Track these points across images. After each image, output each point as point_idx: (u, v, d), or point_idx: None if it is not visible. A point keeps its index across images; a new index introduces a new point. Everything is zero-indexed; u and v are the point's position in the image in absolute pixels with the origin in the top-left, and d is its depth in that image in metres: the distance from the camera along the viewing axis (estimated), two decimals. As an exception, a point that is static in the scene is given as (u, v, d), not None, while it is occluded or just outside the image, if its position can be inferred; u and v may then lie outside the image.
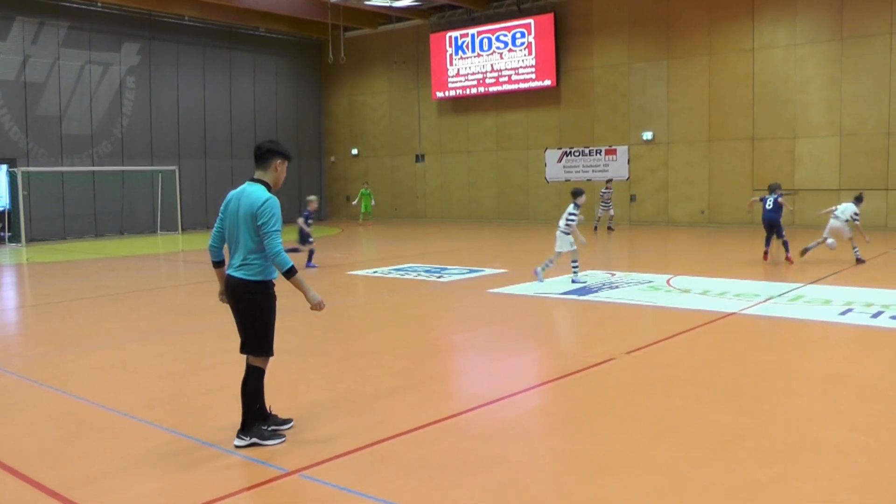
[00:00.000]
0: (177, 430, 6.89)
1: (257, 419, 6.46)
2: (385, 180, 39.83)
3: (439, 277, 16.88)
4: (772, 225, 17.98)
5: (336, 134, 41.93)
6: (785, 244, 17.95)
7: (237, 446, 6.34)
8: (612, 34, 31.72)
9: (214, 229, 6.60)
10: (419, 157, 38.26)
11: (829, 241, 17.74)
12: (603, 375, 8.47)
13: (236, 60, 38.13)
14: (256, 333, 6.40)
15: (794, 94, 27.81)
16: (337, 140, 41.90)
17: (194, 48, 36.24)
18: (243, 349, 6.46)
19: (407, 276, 17.19)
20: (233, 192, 6.56)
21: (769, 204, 17.97)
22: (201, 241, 28.95)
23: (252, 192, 6.35)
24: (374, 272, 18.03)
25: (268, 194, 6.36)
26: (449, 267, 18.58)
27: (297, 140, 40.10)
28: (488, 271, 17.57)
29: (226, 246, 6.55)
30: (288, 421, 6.83)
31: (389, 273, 17.80)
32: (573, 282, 15.44)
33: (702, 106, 29.75)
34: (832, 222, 17.73)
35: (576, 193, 15.95)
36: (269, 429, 6.54)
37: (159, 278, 19.36)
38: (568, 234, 15.54)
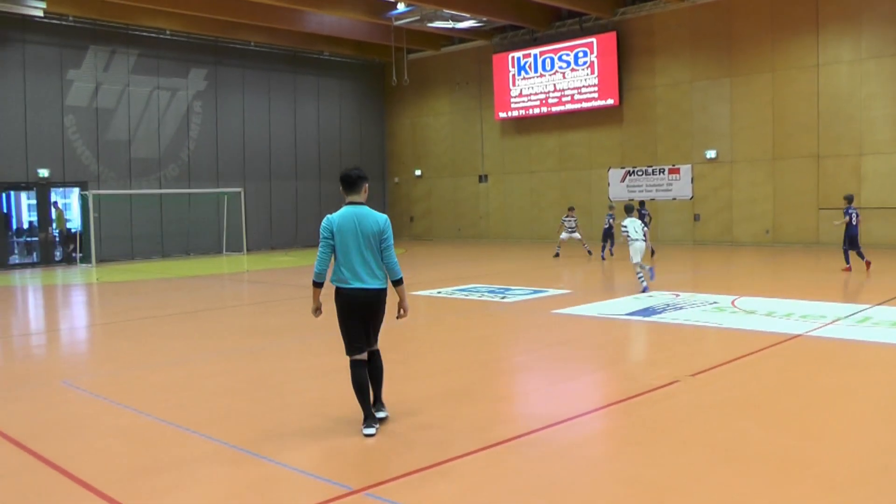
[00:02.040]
0: (241, 446, 7.06)
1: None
2: (448, 201, 40.03)
3: (503, 298, 16.94)
4: (855, 238, 19.25)
5: (399, 155, 42.28)
6: (860, 254, 19.20)
7: (381, 417, 7.61)
8: (674, 52, 31.62)
9: (323, 253, 7.32)
10: (482, 178, 38.40)
11: None
12: (666, 398, 8.46)
13: (301, 84, 38.76)
14: (380, 325, 7.62)
15: (859, 111, 27.44)
16: (400, 161, 42.24)
17: (259, 72, 36.94)
18: (374, 342, 7.59)
19: (470, 297, 17.27)
20: (337, 217, 7.34)
21: (855, 219, 19.15)
22: (266, 262, 29.43)
23: (370, 214, 7.33)
24: (438, 293, 18.14)
25: (384, 215, 7.42)
26: (512, 287, 18.64)
27: (360, 162, 40.37)
28: (552, 292, 17.61)
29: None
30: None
31: (453, 294, 17.90)
32: (643, 290, 16.99)
33: (765, 124, 29.48)
34: None
35: (629, 209, 17.96)
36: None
37: (224, 298, 19.71)
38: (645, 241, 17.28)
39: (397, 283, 7.46)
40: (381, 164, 42.57)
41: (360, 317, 7.39)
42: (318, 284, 7.44)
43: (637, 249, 17.21)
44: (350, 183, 7.38)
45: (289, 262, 29.16)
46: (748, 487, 5.86)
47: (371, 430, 7.24)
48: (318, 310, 7.60)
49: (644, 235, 17.22)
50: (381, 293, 7.44)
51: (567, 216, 27.34)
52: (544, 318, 14.21)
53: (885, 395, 8.55)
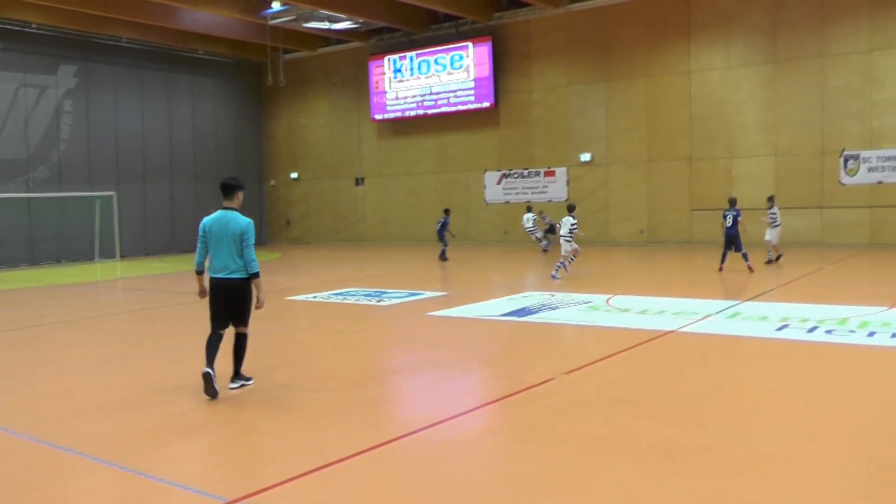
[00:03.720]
0: (114, 462, 6.70)
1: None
2: (326, 203, 39.66)
3: (379, 301, 16.78)
4: (732, 239, 19.58)
5: (276, 157, 41.69)
6: (744, 256, 19.52)
7: (232, 388, 8.98)
8: (551, 57, 31.99)
9: (199, 249, 8.98)
10: (359, 181, 38.17)
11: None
12: (543, 396, 8.45)
13: (175, 83, 37.72)
14: (247, 312, 8.99)
15: (731, 116, 28.29)
16: (277, 163, 41.65)
17: (132, 70, 35.78)
18: (238, 324, 9.00)
19: (347, 301, 17.07)
20: (210, 219, 8.88)
21: (730, 220, 19.59)
22: (141, 268, 28.62)
23: (235, 217, 8.83)
24: (314, 297, 17.88)
25: (247, 218, 8.91)
26: (389, 290, 18.49)
27: (236, 163, 39.78)
28: (428, 294, 17.53)
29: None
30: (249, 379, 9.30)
31: (329, 298, 17.66)
32: (552, 276, 19.46)
33: (640, 127, 30.09)
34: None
35: (571, 208, 20.16)
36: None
37: (98, 307, 18.97)
38: (570, 240, 19.57)
39: (254, 276, 8.86)
40: (257, 166, 41.83)
41: (224, 301, 8.87)
42: (198, 273, 9.13)
43: (562, 244, 19.86)
44: (225, 191, 8.92)
45: (165, 268, 28.41)
46: (630, 478, 5.90)
47: (234, 385, 9.04)
48: (202, 292, 9.16)
49: (570, 233, 19.62)
50: (243, 282, 8.87)
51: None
52: (420, 321, 14.10)
53: (755, 385, 8.73)
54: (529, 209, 29.60)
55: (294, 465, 6.43)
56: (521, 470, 6.29)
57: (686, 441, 6.72)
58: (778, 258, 21.18)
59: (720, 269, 19.68)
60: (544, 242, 28.22)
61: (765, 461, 6.17)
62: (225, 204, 8.91)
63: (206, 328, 8.95)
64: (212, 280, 8.87)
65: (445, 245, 26.48)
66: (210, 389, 8.57)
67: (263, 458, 6.78)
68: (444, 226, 26.61)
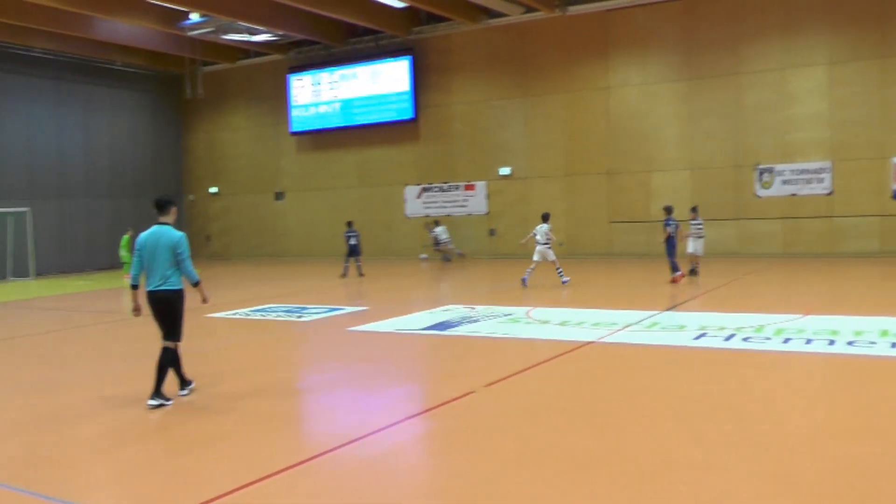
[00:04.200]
0: (29, 489, 6.47)
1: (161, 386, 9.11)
2: (246, 218, 39.13)
3: (300, 317, 16.61)
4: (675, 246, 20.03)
5: (195, 171, 40.98)
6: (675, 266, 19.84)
7: (151, 406, 8.91)
8: (471, 72, 32.11)
9: (136, 263, 9.23)
10: (279, 195, 37.81)
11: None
12: (463, 409, 8.43)
13: (92, 95, 36.65)
14: (178, 326, 9.29)
15: (648, 131, 28.73)
16: (197, 178, 40.92)
17: (47, 82, 34.70)
18: (168, 338, 9.22)
19: (267, 318, 16.85)
20: (145, 235, 9.21)
21: (675, 230, 20.04)
22: (57, 287, 27.85)
23: (168, 232, 9.21)
24: (234, 314, 17.62)
25: (180, 232, 9.32)
26: (309, 306, 18.32)
27: (155, 178, 38.84)
28: (349, 309, 17.39)
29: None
30: (191, 382, 9.68)
31: (249, 315, 17.41)
32: (564, 283, 20.15)
33: (559, 142, 30.35)
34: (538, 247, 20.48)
35: (546, 217, 20.83)
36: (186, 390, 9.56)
37: (11, 328, 18.40)
38: (548, 246, 20.20)
39: (196, 285, 9.38)
40: (176, 181, 40.79)
41: (158, 313, 9.23)
42: (133, 287, 9.41)
43: (539, 251, 20.26)
44: (159, 207, 9.35)
45: (83, 287, 27.69)
46: (547, 489, 5.93)
47: (162, 402, 9.00)
48: (136, 309, 9.48)
49: (547, 240, 20.28)
50: (174, 294, 9.24)
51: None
52: (341, 336, 13.97)
53: (672, 394, 8.82)
54: (437, 223, 30.22)
55: (215, 486, 6.29)
56: (441, 484, 6.30)
57: (603, 451, 6.77)
58: (692, 271, 20.94)
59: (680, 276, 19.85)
60: (425, 255, 28.14)
61: (676, 468, 6.27)
62: (160, 219, 9.32)
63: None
64: (148, 294, 9.18)
65: (356, 259, 26.11)
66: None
67: (182, 479, 6.60)
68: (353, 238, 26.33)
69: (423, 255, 29.03)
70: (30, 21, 29.20)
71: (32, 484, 6.53)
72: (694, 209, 21.44)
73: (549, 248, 20.33)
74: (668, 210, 20.44)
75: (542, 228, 20.44)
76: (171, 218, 9.37)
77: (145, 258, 9.17)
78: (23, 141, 33.83)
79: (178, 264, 9.22)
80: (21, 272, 32.30)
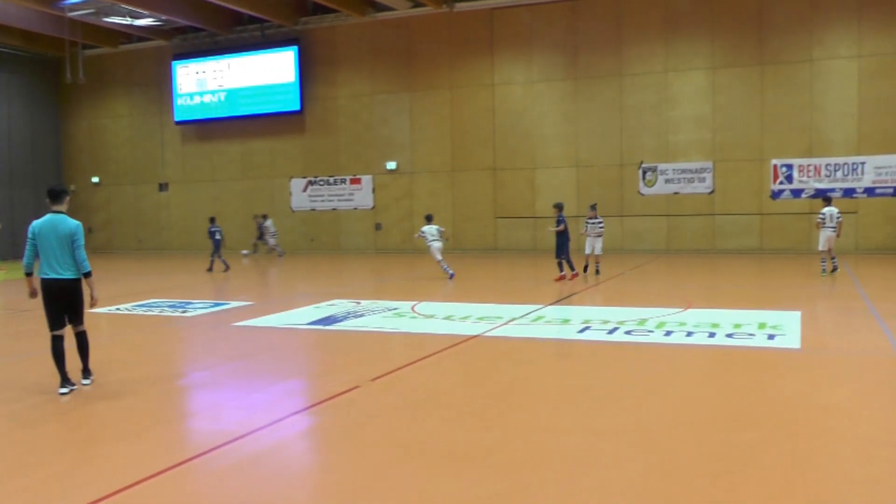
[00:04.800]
0: None
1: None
2: (129, 210, 38.14)
3: (184, 312, 16.23)
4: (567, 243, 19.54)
5: (76, 160, 39.65)
6: (569, 263, 19.54)
7: (86, 384, 9.44)
8: (356, 65, 31.99)
9: (29, 251, 9.23)
10: (163, 186, 37.00)
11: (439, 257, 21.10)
12: (348, 403, 8.37)
13: (-40, 77, 35.04)
14: (81, 310, 9.42)
15: (533, 128, 29.09)
16: (77, 167, 39.60)
17: None
18: (76, 323, 9.42)
19: (150, 313, 16.42)
20: (39, 223, 9.21)
21: (562, 226, 19.50)
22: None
23: (64, 220, 9.24)
24: (117, 309, 17.11)
25: (76, 221, 9.39)
26: (194, 301, 17.94)
27: (33, 165, 37.50)
28: (234, 304, 17.10)
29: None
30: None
31: (133, 310, 16.92)
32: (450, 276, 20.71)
33: (444, 137, 30.46)
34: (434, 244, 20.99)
35: (429, 219, 21.52)
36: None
37: None
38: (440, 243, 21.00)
39: (87, 275, 9.29)
40: (56, 170, 39.32)
41: (58, 300, 9.22)
42: (28, 274, 9.42)
43: (437, 249, 20.88)
44: (54, 196, 9.32)
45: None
46: (431, 480, 5.98)
47: (65, 390, 9.07)
48: (33, 292, 9.44)
49: (440, 236, 21.06)
50: (74, 282, 9.28)
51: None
52: (226, 331, 13.71)
53: (556, 385, 8.96)
54: (266, 216, 30.96)
55: (92, 488, 6.05)
56: (324, 479, 6.27)
57: (488, 443, 6.81)
58: (586, 268, 20.60)
59: (562, 277, 19.39)
60: (246, 251, 27.97)
61: (557, 458, 6.37)
62: (54, 208, 9.30)
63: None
64: (43, 282, 9.18)
65: (219, 255, 25.69)
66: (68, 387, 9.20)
67: (63, 481, 6.32)
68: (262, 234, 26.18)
69: (245, 251, 29.10)
70: None
71: None
72: (593, 206, 20.91)
73: (437, 241, 20.94)
74: (559, 207, 19.89)
75: (431, 229, 21.01)
76: (65, 207, 9.40)
77: (40, 246, 9.18)
78: None
79: (71, 252, 9.24)
80: None
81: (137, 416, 8.27)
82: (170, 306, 17.30)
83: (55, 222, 9.20)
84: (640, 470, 6.06)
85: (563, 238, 19.37)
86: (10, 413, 8.51)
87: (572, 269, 19.57)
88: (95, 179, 39.02)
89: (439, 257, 21.02)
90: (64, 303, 9.26)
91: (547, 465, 6.21)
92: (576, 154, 28.64)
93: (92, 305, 9.53)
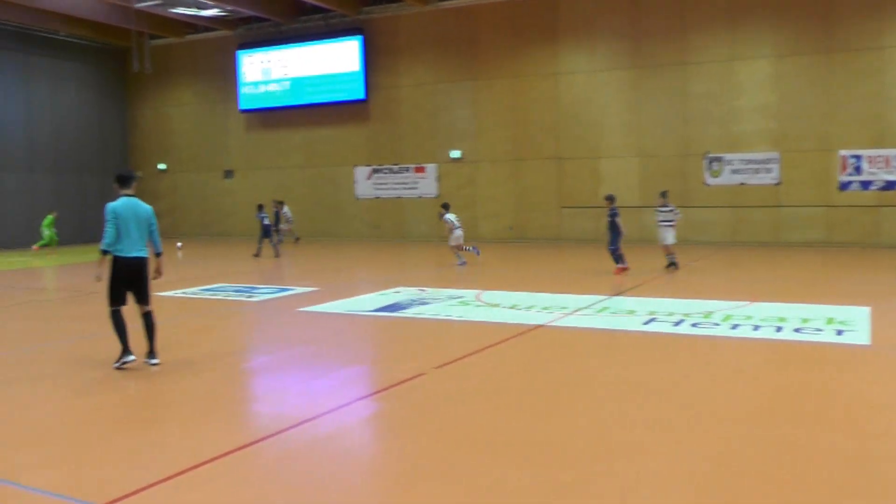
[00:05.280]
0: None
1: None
2: (194, 196, 38.68)
3: (250, 297, 16.46)
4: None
5: (142, 148, 40.33)
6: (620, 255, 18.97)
7: (154, 363, 9.72)
8: (419, 54, 32.03)
9: (111, 230, 9.50)
10: (228, 173, 37.44)
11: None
12: (412, 390, 8.43)
13: (34, 66, 35.70)
14: (147, 290, 9.90)
15: (596, 117, 28.88)
16: (143, 154, 40.24)
17: (-15, 51, 33.87)
18: (144, 303, 9.85)
19: (217, 297, 16.68)
20: (119, 205, 9.62)
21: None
22: (5, 263, 27.35)
23: (141, 204, 9.86)
24: (183, 293, 17.41)
25: (149, 205, 10.03)
26: (259, 286, 18.17)
27: (101, 152, 38.21)
28: (299, 290, 17.27)
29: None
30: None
31: (199, 294, 17.21)
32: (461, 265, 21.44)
33: (507, 126, 30.38)
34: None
35: (447, 206, 22.55)
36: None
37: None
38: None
39: (159, 255, 9.97)
40: (123, 157, 39.98)
41: (127, 277, 9.67)
42: (105, 253, 9.62)
43: (458, 236, 21.57)
44: (124, 181, 9.87)
45: (20, 263, 27.20)
46: (492, 469, 5.97)
47: (130, 358, 9.58)
48: (101, 274, 9.78)
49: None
50: (145, 261, 9.86)
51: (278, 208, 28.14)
52: (291, 317, 13.88)
53: (619, 378, 8.87)
54: (282, 203, 30.71)
55: (163, 466, 6.20)
56: (392, 465, 6.34)
57: (550, 433, 6.82)
58: (670, 264, 19.34)
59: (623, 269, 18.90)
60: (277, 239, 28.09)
61: (619, 450, 6.36)
62: (124, 192, 9.82)
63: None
64: (121, 259, 9.60)
65: (270, 240, 26.19)
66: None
67: (131, 459, 6.48)
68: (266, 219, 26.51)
69: (178, 244, 30.51)
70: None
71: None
72: (663, 194, 19.94)
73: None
74: (611, 199, 19.29)
75: (452, 217, 21.95)
76: (134, 190, 9.91)
77: (121, 227, 9.58)
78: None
79: (150, 234, 9.89)
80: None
81: (201, 399, 8.45)
82: (235, 291, 17.54)
83: (133, 205, 9.74)
84: (702, 464, 6.05)
85: (615, 231, 18.85)
86: (77, 391, 8.76)
87: (622, 262, 18.92)
88: (162, 166, 39.59)
89: (460, 242, 21.75)
90: (133, 280, 9.73)
91: (609, 456, 6.21)
92: (639, 144, 28.38)
93: (155, 278, 10.06)
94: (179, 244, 30.28)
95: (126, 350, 9.59)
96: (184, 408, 8.13)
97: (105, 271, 9.69)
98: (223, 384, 9.15)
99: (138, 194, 9.92)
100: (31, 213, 33.88)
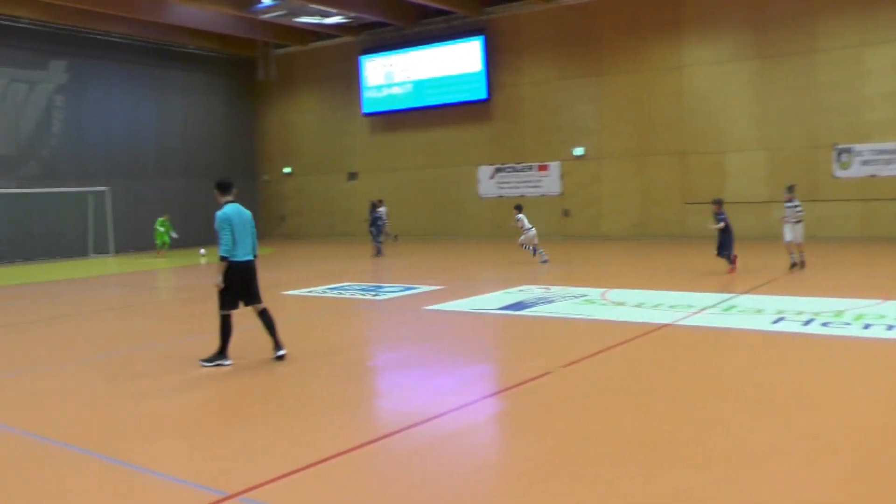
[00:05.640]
0: (109, 455, 6.72)
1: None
2: (319, 199, 39.55)
3: (375, 296, 16.77)
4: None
5: (268, 153, 41.57)
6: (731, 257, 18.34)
7: (282, 354, 10.26)
8: (540, 52, 32.01)
9: (229, 236, 9.88)
10: (352, 175, 38.11)
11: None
12: (539, 389, 8.47)
13: (166, 78, 37.51)
14: (258, 288, 10.33)
15: (721, 110, 28.33)
16: (269, 159, 41.53)
17: (123, 65, 35.61)
18: (258, 301, 10.27)
19: (342, 295, 17.05)
20: (231, 211, 10.00)
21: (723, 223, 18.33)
22: (135, 264, 28.53)
23: (245, 210, 10.29)
24: (309, 291, 17.85)
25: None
26: (385, 285, 18.49)
27: (229, 159, 39.64)
28: (424, 288, 17.50)
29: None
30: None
31: (325, 292, 17.63)
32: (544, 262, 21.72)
33: (631, 122, 30.11)
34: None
35: (519, 207, 22.68)
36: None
37: (90, 303, 18.88)
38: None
39: (256, 256, 10.39)
40: (249, 162, 41.60)
41: (242, 281, 10.06)
42: (224, 259, 9.91)
43: (531, 236, 21.99)
44: (226, 188, 10.23)
45: (159, 264, 28.28)
46: (622, 470, 5.93)
47: (228, 362, 10.04)
48: (220, 284, 9.98)
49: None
50: (255, 263, 10.34)
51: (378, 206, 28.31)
52: (417, 315, 14.09)
53: (749, 379, 8.73)
54: (381, 202, 30.34)
55: (291, 459, 6.42)
56: (516, 463, 6.36)
57: (674, 435, 6.74)
58: (795, 264, 18.39)
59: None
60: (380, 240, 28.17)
61: (747, 455, 6.18)
62: (229, 199, 10.16)
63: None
64: (236, 264, 10.01)
65: (377, 241, 26.74)
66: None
67: (259, 452, 6.73)
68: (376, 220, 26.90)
69: (203, 250, 30.70)
70: (107, 7, 30.18)
71: (119, 454, 6.75)
72: (790, 188, 18.69)
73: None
74: (718, 203, 18.70)
75: (524, 218, 22.39)
76: (234, 197, 10.28)
77: (236, 232, 9.98)
78: (100, 123, 34.82)
79: (252, 236, 10.31)
80: (101, 249, 33.27)
81: (327, 395, 8.67)
82: (361, 289, 17.88)
83: (240, 210, 10.18)
84: (837, 473, 5.85)
85: (725, 235, 18.26)
86: (204, 385, 9.10)
87: (733, 262, 18.26)
88: (287, 170, 40.60)
89: (536, 242, 22.27)
90: (247, 283, 10.14)
91: (736, 461, 6.05)
92: (765, 136, 27.68)
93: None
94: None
95: (225, 353, 10.07)
96: (309, 403, 8.35)
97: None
98: (348, 380, 9.37)
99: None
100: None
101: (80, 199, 33.17)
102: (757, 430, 6.83)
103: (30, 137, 32.46)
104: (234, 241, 9.94)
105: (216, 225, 9.94)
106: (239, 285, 10.06)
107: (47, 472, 6.43)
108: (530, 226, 22.15)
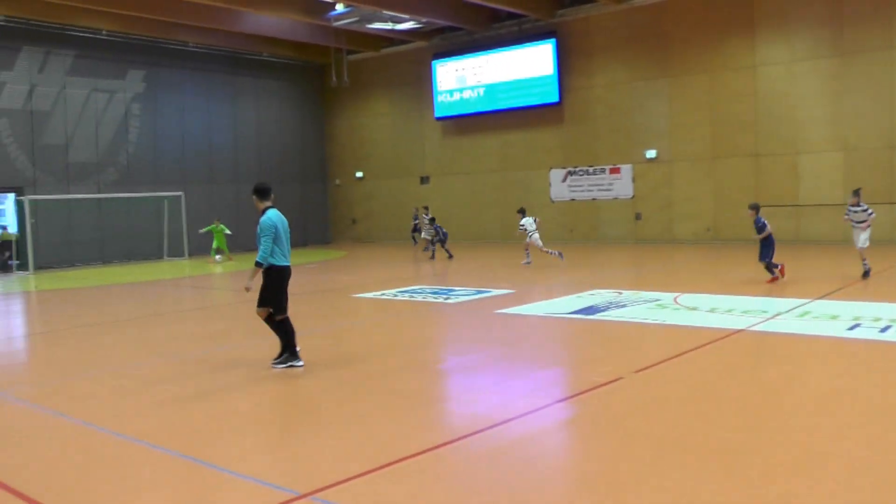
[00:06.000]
0: (185, 454, 6.94)
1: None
2: (390, 202, 39.87)
3: (447, 299, 16.90)
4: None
5: (339, 157, 42.07)
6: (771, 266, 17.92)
7: (275, 364, 10.25)
8: (612, 53, 31.88)
9: (270, 243, 9.99)
10: (424, 179, 38.34)
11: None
12: (611, 394, 8.49)
13: (240, 86, 38.41)
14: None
15: (795, 111, 27.88)
16: (340, 163, 42.04)
17: (198, 74, 36.52)
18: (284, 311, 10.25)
19: (414, 298, 17.22)
20: (275, 217, 10.18)
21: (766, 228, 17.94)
22: (207, 267, 29.09)
23: (282, 215, 10.35)
24: (381, 294, 18.05)
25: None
26: (456, 288, 18.62)
27: (301, 164, 40.53)
28: (495, 292, 17.60)
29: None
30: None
31: (396, 295, 17.81)
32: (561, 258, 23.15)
33: (703, 123, 29.83)
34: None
35: (523, 211, 24.52)
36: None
37: (164, 304, 19.38)
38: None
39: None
40: (321, 167, 42.30)
41: (286, 285, 10.28)
42: (260, 265, 10.07)
43: (537, 239, 23.28)
44: (266, 193, 10.39)
45: (231, 266, 28.83)
46: (694, 478, 5.91)
47: (301, 363, 10.27)
48: (250, 288, 10.27)
49: (537, 227, 23.70)
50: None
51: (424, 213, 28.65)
52: (488, 318, 14.20)
53: (825, 387, 8.66)
54: (426, 208, 31.78)
55: (362, 460, 6.55)
56: (587, 468, 6.38)
57: (748, 443, 6.68)
58: (866, 273, 17.64)
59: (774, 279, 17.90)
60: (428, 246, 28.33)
61: (826, 465, 6.13)
62: (268, 204, 10.36)
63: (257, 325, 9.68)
64: (284, 269, 10.24)
65: (424, 244, 27.03)
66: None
67: (332, 453, 6.86)
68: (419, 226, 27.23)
69: (218, 257, 31.39)
70: (182, 18, 30.87)
71: (194, 452, 6.97)
72: (856, 192, 17.95)
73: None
74: (755, 208, 18.55)
75: (529, 220, 23.53)
76: (273, 202, 10.43)
77: (280, 237, 10.18)
78: (176, 130, 35.76)
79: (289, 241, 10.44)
80: (176, 252, 34.10)
81: (399, 397, 8.77)
82: (432, 293, 18.03)
83: (281, 216, 10.39)
84: None
85: (766, 242, 18.04)
86: (278, 386, 9.27)
87: (771, 272, 17.89)
88: (359, 174, 41.02)
89: (541, 244, 23.27)
90: (286, 286, 10.32)
91: (815, 471, 6.00)
92: (842, 136, 27.18)
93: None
94: (218, 257, 31.27)
95: (296, 354, 10.31)
96: (381, 404, 8.45)
97: (254, 283, 10.23)
98: (420, 383, 9.51)
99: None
100: (238, 222, 35.40)
101: (156, 203, 34.04)
102: (833, 438, 6.77)
103: (108, 144, 33.42)
104: (275, 247, 10.10)
105: (259, 230, 10.13)
106: (285, 288, 10.29)
107: (128, 468, 6.66)
108: (534, 229, 23.31)
